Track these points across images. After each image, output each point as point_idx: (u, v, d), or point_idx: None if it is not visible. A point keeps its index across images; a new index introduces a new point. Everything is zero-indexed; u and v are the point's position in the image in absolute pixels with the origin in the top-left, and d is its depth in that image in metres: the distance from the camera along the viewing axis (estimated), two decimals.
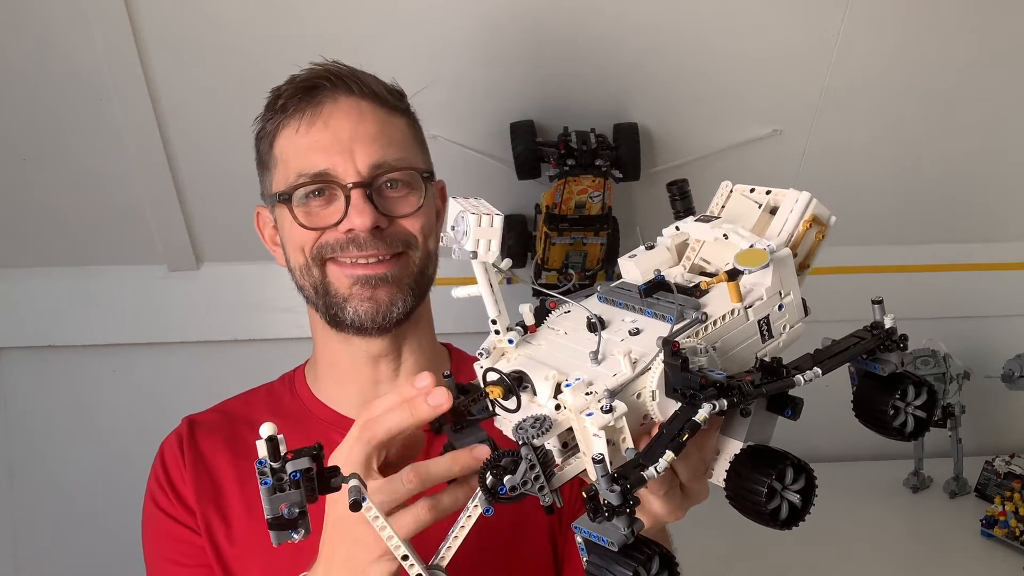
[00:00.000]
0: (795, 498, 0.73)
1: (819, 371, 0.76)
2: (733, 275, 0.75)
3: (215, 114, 1.78)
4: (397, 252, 1.11)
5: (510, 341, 0.80)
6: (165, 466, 1.17)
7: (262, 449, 0.66)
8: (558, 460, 0.73)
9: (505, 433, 0.75)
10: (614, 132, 1.83)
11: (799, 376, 0.75)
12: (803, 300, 0.83)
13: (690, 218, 0.88)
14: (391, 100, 1.16)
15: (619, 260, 0.88)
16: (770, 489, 0.72)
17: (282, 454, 0.67)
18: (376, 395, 1.17)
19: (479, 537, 0.78)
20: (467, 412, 0.79)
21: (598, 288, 0.85)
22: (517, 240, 1.96)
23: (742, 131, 1.96)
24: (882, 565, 1.90)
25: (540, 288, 1.91)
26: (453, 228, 0.76)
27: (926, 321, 2.19)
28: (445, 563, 0.76)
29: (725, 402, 0.69)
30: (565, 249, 1.86)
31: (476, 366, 0.80)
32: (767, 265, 0.75)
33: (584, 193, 1.78)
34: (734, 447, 0.78)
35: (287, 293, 1.99)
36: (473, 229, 0.74)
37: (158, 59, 1.69)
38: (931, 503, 2.12)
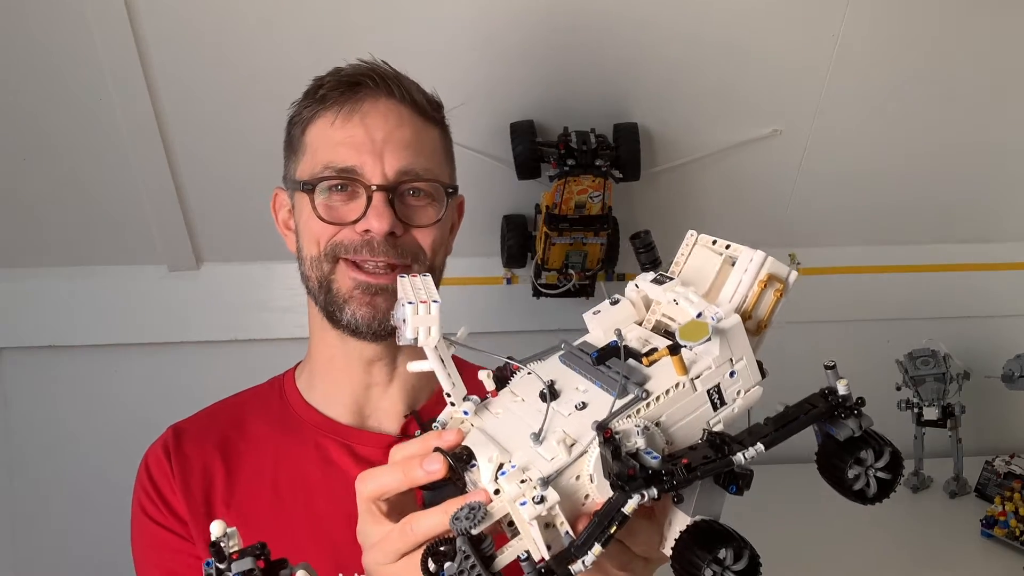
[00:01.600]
0: None
1: (761, 447, 0.76)
2: (675, 349, 0.74)
3: (216, 114, 1.78)
4: (405, 264, 1.12)
5: (465, 412, 0.82)
6: (152, 477, 1.17)
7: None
8: (508, 535, 0.74)
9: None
10: (614, 132, 1.83)
11: (739, 455, 0.74)
12: (759, 363, 0.82)
13: (648, 275, 0.88)
14: (429, 110, 1.17)
15: (584, 315, 0.88)
16: (707, 569, 0.71)
17: (227, 555, 0.69)
18: (368, 400, 1.20)
19: None
20: (460, 478, 0.79)
21: (562, 345, 0.86)
22: (517, 240, 1.96)
23: (742, 131, 1.96)
24: (882, 565, 1.89)
25: (541, 288, 1.93)
26: (393, 314, 0.78)
27: (926, 321, 2.19)
28: None
29: (655, 491, 0.69)
30: (565, 249, 1.86)
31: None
32: (708, 339, 0.73)
33: (584, 193, 1.78)
34: (682, 520, 0.77)
35: (287, 293, 2.05)
36: (411, 318, 0.76)
37: (158, 58, 1.68)
38: (931, 503, 2.11)
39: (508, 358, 0.85)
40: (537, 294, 1.99)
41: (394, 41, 1.68)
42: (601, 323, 0.86)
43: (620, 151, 1.81)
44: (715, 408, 0.79)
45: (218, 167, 1.85)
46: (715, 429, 0.79)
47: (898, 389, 2.13)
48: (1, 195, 1.88)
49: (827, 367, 0.84)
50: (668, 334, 0.84)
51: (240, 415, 1.22)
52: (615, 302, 0.88)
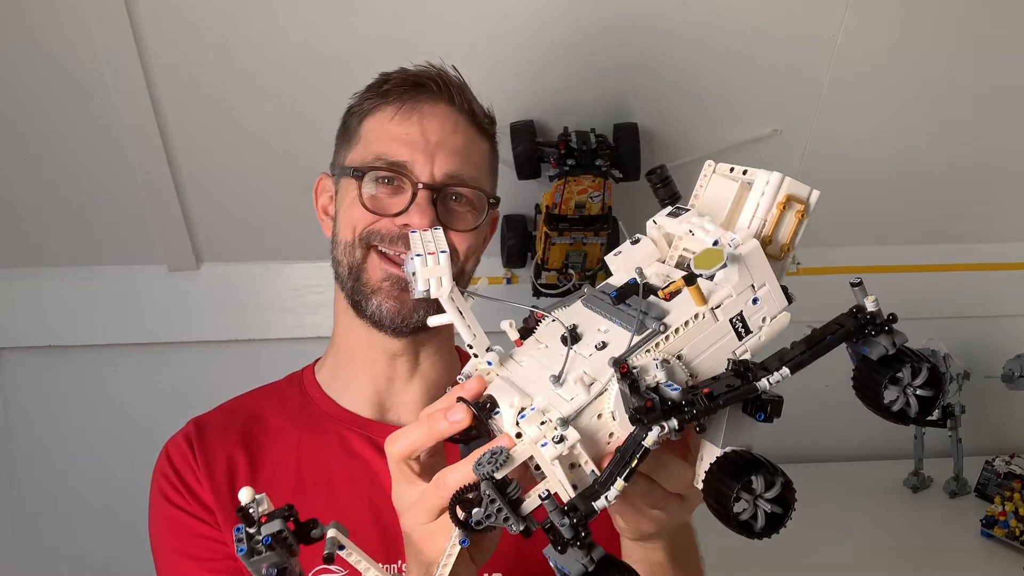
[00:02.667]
0: (768, 507, 0.71)
1: (787, 371, 0.74)
2: (690, 279, 0.73)
3: (216, 113, 1.78)
4: None
5: (488, 363, 0.82)
6: (175, 467, 1.16)
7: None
8: (536, 480, 0.73)
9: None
10: (614, 132, 1.83)
11: (764, 380, 0.73)
12: (784, 288, 0.80)
13: (664, 210, 0.87)
14: (484, 123, 1.21)
15: (605, 258, 0.88)
16: (737, 499, 0.70)
17: (256, 519, 0.70)
18: (390, 393, 1.21)
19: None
20: (486, 428, 0.79)
21: (585, 290, 0.86)
22: (517, 240, 1.96)
23: (743, 131, 1.95)
24: (882, 565, 1.89)
25: (541, 288, 1.93)
26: (403, 269, 0.79)
27: (926, 321, 2.19)
28: None
29: (676, 422, 0.68)
30: (565, 249, 1.86)
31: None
32: (724, 266, 0.72)
33: (584, 193, 1.77)
34: (713, 453, 0.76)
35: (286, 294, 2.05)
36: (420, 271, 0.76)
37: (158, 57, 1.68)
38: (931, 503, 2.12)
39: (532, 307, 0.85)
40: (537, 294, 1.98)
41: (395, 41, 1.68)
42: (623, 263, 0.86)
43: (620, 151, 1.81)
44: (740, 338, 0.78)
45: (218, 167, 1.86)
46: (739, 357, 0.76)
47: None
48: (1, 195, 1.88)
49: (853, 284, 0.82)
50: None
51: (260, 409, 1.23)
52: (635, 241, 0.88)
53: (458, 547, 0.73)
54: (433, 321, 0.82)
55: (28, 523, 2.14)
